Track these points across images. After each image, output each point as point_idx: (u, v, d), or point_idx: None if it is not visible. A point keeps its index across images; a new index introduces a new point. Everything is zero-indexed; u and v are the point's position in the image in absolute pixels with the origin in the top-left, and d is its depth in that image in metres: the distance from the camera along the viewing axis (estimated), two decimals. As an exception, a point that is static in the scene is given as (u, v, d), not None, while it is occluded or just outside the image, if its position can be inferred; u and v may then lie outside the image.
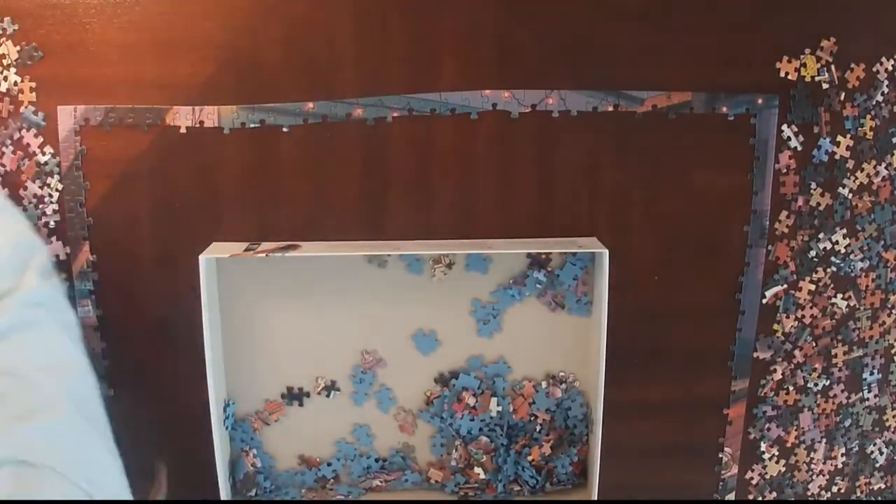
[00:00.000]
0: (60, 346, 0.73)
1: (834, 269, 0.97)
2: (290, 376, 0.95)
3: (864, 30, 0.90)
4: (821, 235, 0.96)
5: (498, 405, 0.96)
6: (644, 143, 0.91)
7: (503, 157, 0.91)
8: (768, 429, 1.00)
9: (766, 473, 1.02)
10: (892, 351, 1.01)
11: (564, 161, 0.91)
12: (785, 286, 0.96)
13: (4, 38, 0.86)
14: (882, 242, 0.97)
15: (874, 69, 0.92)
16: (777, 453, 1.02)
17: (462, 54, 0.88)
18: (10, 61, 0.86)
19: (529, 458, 0.97)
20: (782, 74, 0.90)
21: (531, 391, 0.97)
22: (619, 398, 0.92)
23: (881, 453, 1.04)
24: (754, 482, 1.02)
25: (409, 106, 0.89)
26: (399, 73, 0.88)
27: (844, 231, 0.96)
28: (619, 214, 0.93)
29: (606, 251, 0.87)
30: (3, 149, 0.88)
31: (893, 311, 1.00)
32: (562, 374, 0.97)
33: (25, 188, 0.89)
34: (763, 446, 1.01)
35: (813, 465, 1.03)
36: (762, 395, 0.99)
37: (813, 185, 0.94)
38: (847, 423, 1.02)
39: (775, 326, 0.97)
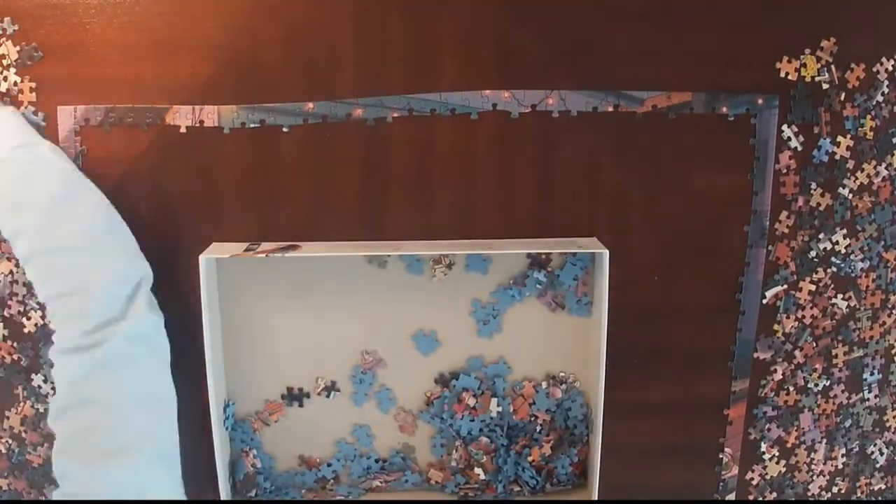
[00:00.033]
0: (156, 382, 0.77)
1: (834, 269, 0.97)
2: (290, 377, 0.95)
3: (864, 30, 0.90)
4: (821, 236, 0.95)
5: (498, 406, 0.96)
6: (644, 144, 0.91)
7: (503, 157, 0.91)
8: (769, 429, 1.00)
9: (767, 474, 1.02)
10: (893, 351, 1.01)
11: (564, 161, 0.91)
12: (785, 286, 0.96)
13: (4, 39, 0.86)
14: (882, 243, 0.97)
15: (874, 69, 0.92)
16: (777, 454, 1.01)
17: (462, 54, 0.88)
18: (10, 61, 0.86)
19: (529, 458, 0.97)
20: (782, 74, 0.90)
21: (531, 391, 0.97)
22: (619, 398, 0.92)
23: (881, 454, 1.04)
24: (755, 482, 1.02)
25: (409, 106, 0.89)
26: (399, 73, 0.88)
27: (845, 231, 0.96)
28: (619, 214, 0.93)
29: (606, 251, 0.87)
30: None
31: (894, 312, 1.00)
32: (562, 374, 0.97)
33: (26, 188, 0.89)
34: (763, 447, 1.01)
35: (813, 466, 1.03)
36: (762, 395, 0.99)
37: (813, 186, 0.94)
38: (847, 423, 1.02)
39: (775, 327, 0.97)
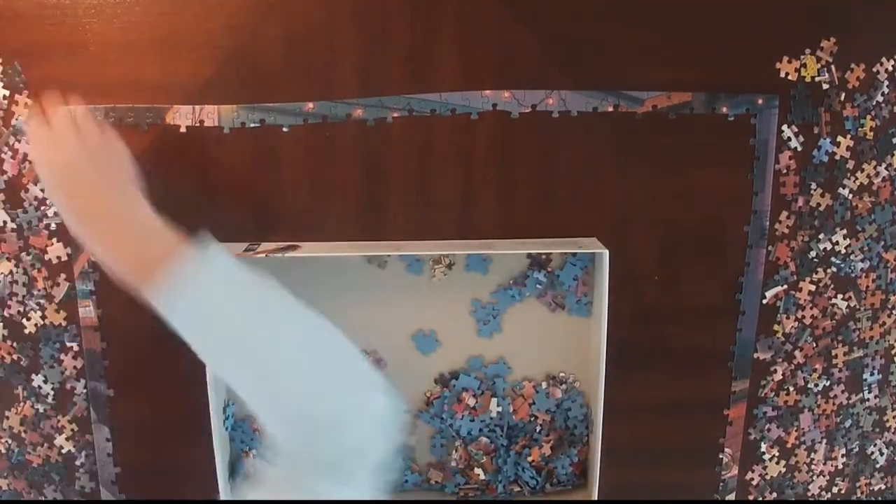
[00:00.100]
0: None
1: (834, 269, 0.97)
2: (290, 376, 0.95)
3: (864, 30, 0.90)
4: (821, 236, 0.95)
5: (498, 406, 0.96)
6: (644, 144, 0.91)
7: (503, 157, 0.91)
8: (769, 429, 1.00)
9: (767, 474, 1.02)
10: (893, 352, 1.01)
11: (564, 161, 0.91)
12: (785, 287, 0.96)
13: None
14: (882, 243, 0.97)
15: (874, 69, 0.92)
16: (777, 454, 1.01)
17: (462, 54, 0.88)
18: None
19: (529, 458, 0.97)
20: (782, 74, 0.90)
21: (531, 392, 0.97)
22: (619, 398, 0.92)
23: (881, 454, 1.04)
24: (754, 483, 1.02)
25: (409, 106, 0.89)
26: (399, 73, 0.88)
27: (845, 231, 0.96)
28: (619, 214, 0.93)
29: (606, 251, 0.87)
30: (3, 155, 0.88)
31: (894, 312, 1.00)
32: (562, 374, 0.97)
33: (27, 191, 0.89)
34: (763, 447, 1.01)
35: (813, 466, 1.03)
36: (762, 395, 0.99)
37: (813, 186, 0.94)
38: (847, 423, 1.02)
39: (775, 327, 0.97)
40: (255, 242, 0.90)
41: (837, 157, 0.93)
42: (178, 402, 0.92)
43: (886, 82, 0.92)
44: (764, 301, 0.96)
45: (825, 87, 0.91)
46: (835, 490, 1.04)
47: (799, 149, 0.93)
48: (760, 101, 0.91)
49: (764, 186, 0.93)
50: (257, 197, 0.91)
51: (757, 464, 1.01)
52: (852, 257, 0.97)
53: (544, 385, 0.97)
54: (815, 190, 0.94)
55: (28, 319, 0.93)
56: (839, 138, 0.93)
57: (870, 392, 1.02)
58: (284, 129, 0.89)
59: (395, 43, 0.88)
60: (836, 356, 0.99)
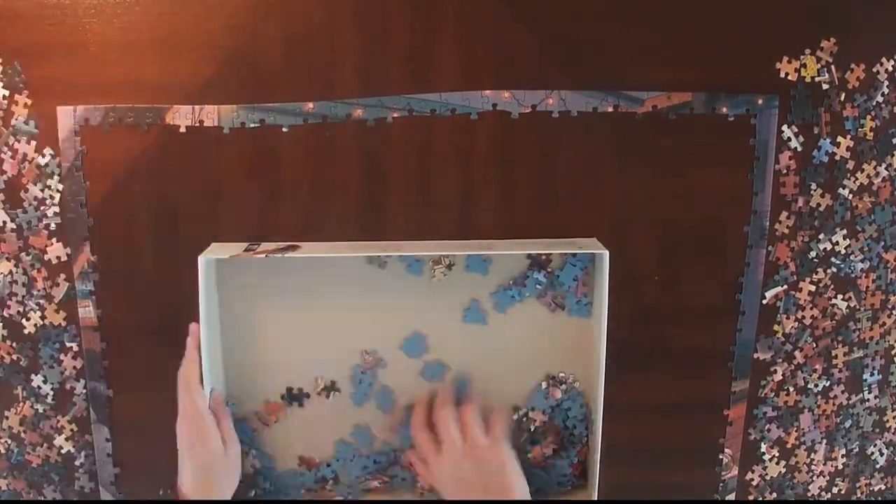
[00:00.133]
0: None
1: (834, 269, 0.97)
2: (290, 377, 0.95)
3: (864, 30, 0.90)
4: (821, 236, 0.95)
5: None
6: (644, 144, 0.91)
7: (503, 157, 0.91)
8: (768, 430, 1.00)
9: (767, 474, 1.02)
10: (893, 352, 1.01)
11: (564, 161, 0.91)
12: (785, 287, 0.96)
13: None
14: (882, 243, 0.97)
15: (874, 69, 0.92)
16: (777, 454, 1.01)
17: (462, 54, 0.88)
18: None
19: (530, 456, 0.97)
20: (782, 74, 0.90)
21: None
22: (619, 398, 0.92)
23: (881, 454, 1.04)
24: (754, 483, 1.02)
25: (409, 106, 0.89)
26: (399, 73, 0.88)
27: (844, 232, 0.96)
28: (619, 214, 0.93)
29: (606, 252, 0.87)
30: (2, 154, 0.88)
31: (894, 312, 1.00)
32: (562, 374, 0.97)
33: (27, 191, 0.89)
34: (763, 447, 1.01)
35: (813, 466, 1.03)
36: (762, 395, 0.99)
37: (813, 186, 0.94)
38: (847, 424, 1.02)
39: (775, 327, 0.97)
40: (255, 242, 0.90)
41: (837, 158, 0.93)
42: (177, 402, 0.92)
43: (886, 82, 0.92)
44: (764, 301, 0.96)
45: (825, 87, 0.91)
46: (835, 490, 1.04)
47: (799, 149, 0.93)
48: (760, 101, 0.91)
49: (764, 186, 0.93)
50: (257, 197, 0.91)
51: (757, 464, 1.01)
52: (852, 257, 0.97)
53: (544, 385, 0.97)
54: (815, 190, 0.94)
55: (28, 319, 0.93)
56: (839, 138, 0.93)
57: (870, 392, 1.02)
58: (284, 129, 0.89)
59: (395, 43, 0.88)
60: (836, 356, 0.99)
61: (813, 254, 0.96)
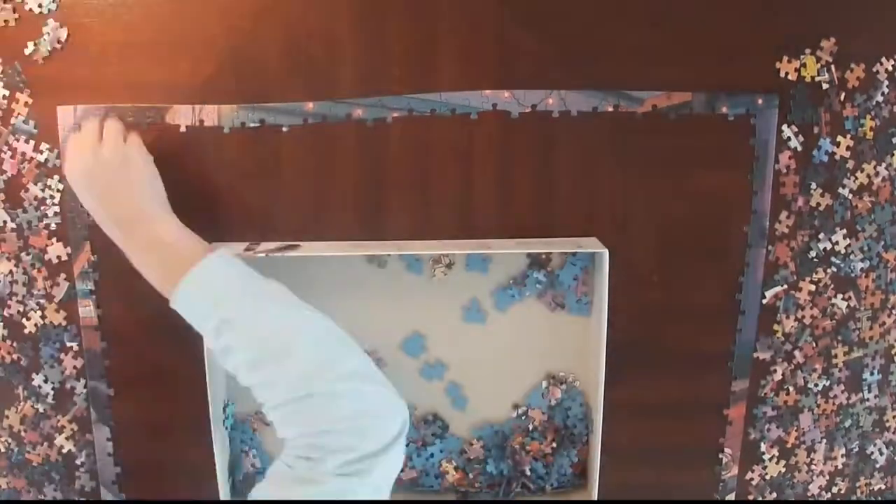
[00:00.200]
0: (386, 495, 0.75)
1: (834, 269, 0.97)
2: (290, 376, 0.95)
3: (864, 30, 0.90)
4: (821, 236, 0.95)
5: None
6: (644, 143, 0.91)
7: (503, 157, 0.91)
8: (768, 429, 1.00)
9: (767, 474, 1.02)
10: (893, 351, 1.01)
11: (564, 161, 0.91)
12: (785, 286, 0.96)
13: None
14: (882, 243, 0.97)
15: (874, 69, 0.92)
16: (777, 454, 1.01)
17: (462, 54, 0.88)
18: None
19: (529, 456, 0.97)
20: (782, 74, 0.90)
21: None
22: (619, 398, 0.92)
23: (881, 454, 1.04)
24: (754, 483, 1.02)
25: (409, 106, 0.89)
26: (399, 73, 0.88)
27: (844, 231, 0.96)
28: (619, 214, 0.93)
29: (606, 251, 0.87)
30: (2, 154, 0.88)
31: (894, 312, 1.00)
32: (562, 374, 0.97)
33: (27, 191, 0.89)
34: (763, 447, 1.01)
35: (813, 466, 1.03)
36: (762, 395, 0.99)
37: (813, 186, 0.94)
38: (847, 423, 1.02)
39: (775, 327, 0.97)
40: (255, 242, 0.90)
41: (837, 157, 0.93)
42: (178, 402, 0.92)
43: (886, 82, 0.92)
44: (764, 301, 0.96)
45: (825, 87, 0.91)
46: (835, 490, 1.04)
47: (799, 149, 0.93)
48: (760, 101, 0.91)
49: (764, 186, 0.93)
50: (257, 197, 0.91)
51: (757, 464, 1.01)
52: (852, 257, 0.97)
53: (544, 384, 0.97)
54: (815, 190, 0.94)
55: (28, 319, 0.93)
56: (839, 138, 0.93)
57: (870, 392, 1.02)
58: (284, 129, 0.89)
59: (395, 43, 0.88)
60: (836, 356, 0.99)
61: (813, 253, 0.96)
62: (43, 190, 0.89)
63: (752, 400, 0.99)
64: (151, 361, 0.93)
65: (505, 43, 0.88)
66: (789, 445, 1.01)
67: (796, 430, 1.01)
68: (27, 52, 0.86)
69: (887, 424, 1.03)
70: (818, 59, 0.90)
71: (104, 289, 0.92)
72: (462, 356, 0.96)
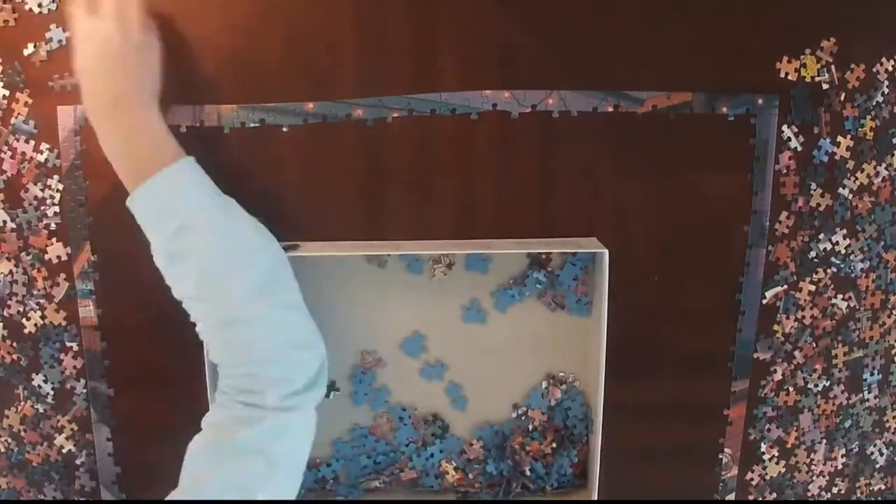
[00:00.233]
0: (306, 452, 0.80)
1: (834, 269, 0.97)
2: (290, 376, 0.95)
3: (864, 30, 0.90)
4: (821, 236, 0.95)
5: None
6: (644, 144, 0.91)
7: (503, 157, 0.91)
8: (768, 429, 1.00)
9: (767, 474, 1.02)
10: (893, 352, 1.01)
11: (564, 161, 0.91)
12: (785, 287, 0.96)
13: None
14: (882, 243, 0.97)
15: (874, 69, 0.92)
16: (777, 454, 1.01)
17: (462, 54, 0.88)
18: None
19: (530, 453, 0.97)
20: (782, 74, 0.90)
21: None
22: (619, 398, 0.92)
23: (881, 454, 1.04)
24: (754, 483, 1.02)
25: (409, 106, 0.89)
26: (399, 73, 0.88)
27: (844, 232, 0.96)
28: (619, 214, 0.93)
29: (606, 251, 0.87)
30: (2, 154, 0.88)
31: (894, 312, 1.00)
32: (562, 374, 0.97)
33: (27, 191, 0.89)
34: (763, 447, 1.01)
35: (813, 466, 1.03)
36: (762, 395, 0.99)
37: (813, 186, 0.94)
38: (847, 423, 1.02)
39: (775, 327, 0.97)
40: (255, 242, 0.90)
41: (837, 158, 0.93)
42: (178, 401, 0.92)
43: (886, 82, 0.92)
44: (764, 301, 0.96)
45: (825, 87, 0.91)
46: (835, 490, 1.04)
47: (799, 149, 0.93)
48: (760, 101, 0.91)
49: (764, 186, 0.93)
50: (257, 197, 0.91)
51: (757, 464, 1.01)
52: (852, 257, 0.97)
53: (544, 384, 0.97)
54: (815, 190, 0.94)
55: (28, 319, 0.93)
56: (839, 138, 0.93)
57: (870, 392, 1.02)
58: (284, 129, 0.89)
59: (395, 43, 0.88)
60: (836, 356, 0.99)
61: (813, 254, 0.96)
62: (43, 190, 0.89)
63: (752, 400, 0.99)
64: (151, 361, 0.93)
65: (505, 43, 0.88)
66: (789, 446, 1.01)
67: (796, 431, 1.01)
68: (26, 52, 0.86)
69: (887, 425, 1.03)
70: (818, 59, 0.90)
71: (104, 289, 0.92)
72: (462, 356, 0.96)
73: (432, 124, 0.90)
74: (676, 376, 0.97)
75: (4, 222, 0.90)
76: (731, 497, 1.02)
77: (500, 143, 0.90)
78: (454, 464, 0.98)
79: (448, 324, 0.94)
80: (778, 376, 0.99)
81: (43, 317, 0.93)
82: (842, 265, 0.97)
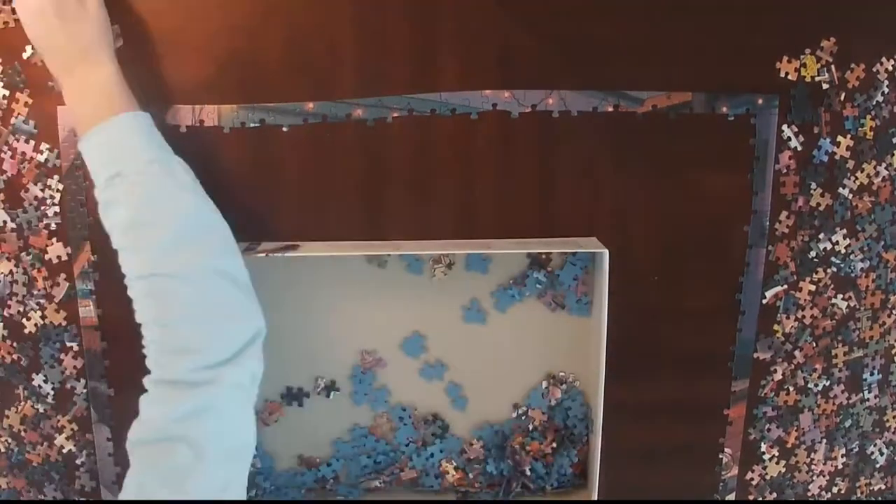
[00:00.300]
0: (243, 432, 0.75)
1: (834, 269, 0.97)
2: (290, 376, 0.95)
3: (864, 30, 0.90)
4: (821, 236, 0.95)
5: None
6: (644, 143, 0.91)
7: (503, 157, 0.91)
8: (768, 429, 1.00)
9: (767, 474, 1.02)
10: (893, 351, 1.01)
11: (564, 161, 0.91)
12: (785, 286, 0.96)
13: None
14: (882, 243, 0.97)
15: (874, 69, 0.92)
16: (777, 454, 1.01)
17: (462, 54, 0.88)
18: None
19: (530, 453, 0.97)
20: (782, 74, 0.90)
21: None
22: (619, 398, 0.92)
23: (881, 454, 1.04)
24: (754, 483, 1.02)
25: (409, 106, 0.89)
26: (399, 73, 0.88)
27: (844, 231, 0.96)
28: (619, 214, 0.93)
29: (606, 251, 0.87)
30: (2, 154, 0.88)
31: (894, 312, 1.00)
32: (562, 374, 0.97)
33: (27, 191, 0.89)
34: (763, 447, 1.01)
35: (813, 466, 1.03)
36: (762, 395, 0.99)
37: (813, 186, 0.94)
38: (847, 423, 1.02)
39: (775, 327, 0.97)
40: (255, 242, 0.90)
41: (837, 157, 0.93)
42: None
43: (886, 82, 0.92)
44: (764, 301, 0.96)
45: (825, 87, 0.91)
46: (835, 490, 1.04)
47: (799, 149, 0.93)
48: (760, 101, 0.91)
49: (764, 186, 0.93)
50: (257, 197, 0.91)
51: (757, 464, 1.01)
52: (852, 257, 0.97)
53: (544, 384, 0.97)
54: (815, 190, 0.94)
55: (28, 319, 0.93)
56: (839, 138, 0.93)
57: (870, 392, 1.02)
58: (284, 129, 0.89)
59: (395, 43, 0.88)
60: (836, 356, 0.99)
61: (813, 253, 0.96)
62: (43, 190, 0.89)
63: (752, 400, 0.99)
64: (151, 361, 0.93)
65: (505, 43, 0.88)
66: (789, 445, 1.01)
67: (796, 430, 1.01)
68: (25, 55, 0.86)
69: (887, 424, 1.03)
70: (818, 59, 0.90)
71: (104, 289, 0.92)
72: (462, 356, 0.96)
73: (432, 124, 0.90)
74: (676, 376, 0.97)
75: (4, 222, 0.90)
76: (731, 497, 1.02)
77: (500, 143, 0.90)
78: (454, 464, 0.98)
79: (448, 324, 0.95)
80: (778, 376, 0.99)
81: (43, 317, 0.93)
82: (842, 265, 0.97)
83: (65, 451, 0.96)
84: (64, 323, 0.93)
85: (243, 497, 0.74)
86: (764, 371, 0.98)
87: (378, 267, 0.93)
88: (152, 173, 0.76)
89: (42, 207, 0.90)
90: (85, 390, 0.94)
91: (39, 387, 0.94)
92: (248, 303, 0.77)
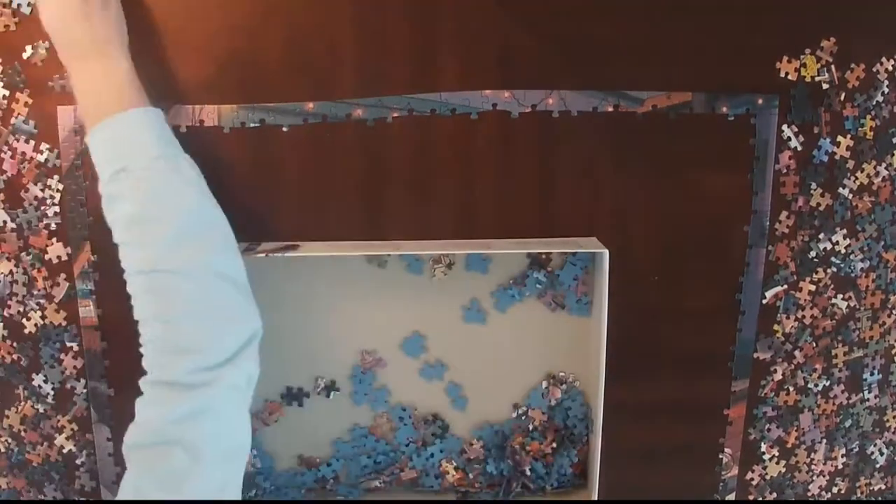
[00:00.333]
0: (239, 433, 0.75)
1: (834, 269, 0.97)
2: (290, 376, 0.95)
3: (864, 30, 0.90)
4: (821, 236, 0.95)
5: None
6: (644, 143, 0.91)
7: (503, 157, 0.91)
8: (768, 429, 1.00)
9: (767, 474, 1.02)
10: (893, 351, 1.01)
11: (564, 161, 0.91)
12: (785, 286, 0.96)
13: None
14: (882, 243, 0.97)
15: (874, 69, 0.92)
16: (777, 454, 1.01)
17: (462, 54, 0.88)
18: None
19: (530, 453, 0.97)
20: (782, 74, 0.90)
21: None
22: (619, 398, 0.92)
23: (881, 454, 1.04)
24: (754, 483, 1.02)
25: (409, 106, 0.89)
26: (399, 73, 0.88)
27: (844, 231, 0.96)
28: (619, 214, 0.93)
29: (606, 251, 0.87)
30: (2, 154, 0.88)
31: (894, 312, 1.00)
32: (562, 374, 0.97)
33: (27, 191, 0.89)
34: (763, 447, 1.01)
35: (813, 466, 1.03)
36: (762, 395, 0.99)
37: (813, 186, 0.94)
38: (847, 423, 1.02)
39: (775, 327, 0.97)
40: (255, 242, 0.90)
41: (837, 157, 0.93)
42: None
43: (886, 82, 0.92)
44: (764, 301, 0.96)
45: (825, 87, 0.91)
46: (835, 490, 1.04)
47: (799, 149, 0.93)
48: (760, 101, 0.91)
49: (764, 186, 0.93)
50: (257, 197, 0.91)
51: (757, 464, 1.01)
52: (852, 257, 0.97)
53: (544, 384, 0.97)
54: (815, 190, 0.94)
55: (28, 319, 0.93)
56: (839, 138, 0.93)
57: (870, 392, 1.02)
58: (284, 129, 0.89)
59: (395, 43, 0.88)
60: (836, 356, 0.99)
61: (813, 253, 0.96)
62: (43, 190, 0.90)
63: (752, 400, 0.99)
64: (151, 361, 0.93)
65: (505, 43, 0.88)
66: (789, 445, 1.01)
67: (796, 430, 1.01)
68: (25, 56, 0.86)
69: (887, 424, 1.03)
70: (818, 59, 0.90)
71: (104, 289, 0.92)
72: (462, 356, 0.96)
73: (432, 124, 0.90)
74: (676, 376, 0.97)
75: (4, 222, 0.90)
76: (731, 497, 1.02)
77: (500, 143, 0.90)
78: (454, 464, 0.98)
79: (448, 324, 0.95)
80: (778, 376, 0.99)
81: (43, 317, 0.93)
82: (842, 265, 0.97)
83: (65, 451, 0.96)
84: (64, 323, 0.93)
85: (238, 497, 0.74)
86: (764, 371, 0.98)
87: (378, 267, 0.93)
88: (158, 169, 0.76)
89: (42, 207, 0.90)
90: (85, 390, 0.94)
91: (39, 387, 0.94)
92: (247, 304, 0.77)
